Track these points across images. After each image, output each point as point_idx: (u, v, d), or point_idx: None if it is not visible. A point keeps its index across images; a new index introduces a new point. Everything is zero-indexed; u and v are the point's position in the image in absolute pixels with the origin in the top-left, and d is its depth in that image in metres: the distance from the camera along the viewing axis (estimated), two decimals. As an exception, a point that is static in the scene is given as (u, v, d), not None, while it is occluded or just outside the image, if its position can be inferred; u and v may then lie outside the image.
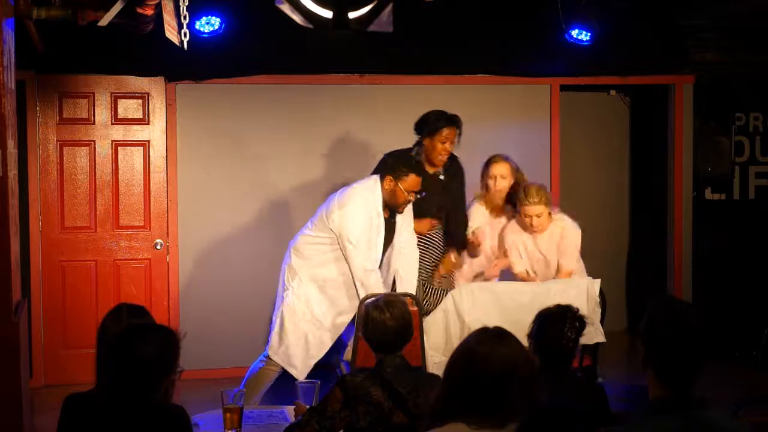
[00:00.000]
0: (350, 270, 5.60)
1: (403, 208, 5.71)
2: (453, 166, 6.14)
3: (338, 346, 5.92)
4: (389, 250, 5.77)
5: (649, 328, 2.71)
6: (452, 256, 6.10)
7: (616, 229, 9.04)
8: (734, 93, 8.27)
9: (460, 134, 6.00)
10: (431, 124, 5.93)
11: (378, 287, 5.53)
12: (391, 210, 5.69)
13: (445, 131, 5.90)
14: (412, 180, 5.60)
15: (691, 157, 8.15)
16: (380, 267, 5.74)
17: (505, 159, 6.16)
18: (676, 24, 7.97)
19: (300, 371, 5.65)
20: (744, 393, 6.25)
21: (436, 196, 6.01)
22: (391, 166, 5.69)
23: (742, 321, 8.09)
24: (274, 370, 5.70)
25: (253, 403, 5.47)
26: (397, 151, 6.00)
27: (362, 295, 5.53)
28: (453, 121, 5.94)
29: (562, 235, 5.96)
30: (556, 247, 5.97)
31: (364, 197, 5.61)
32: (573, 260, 5.99)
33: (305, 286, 5.69)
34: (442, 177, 6.07)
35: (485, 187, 6.15)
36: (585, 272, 6.10)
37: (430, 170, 6.00)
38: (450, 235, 6.10)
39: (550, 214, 5.96)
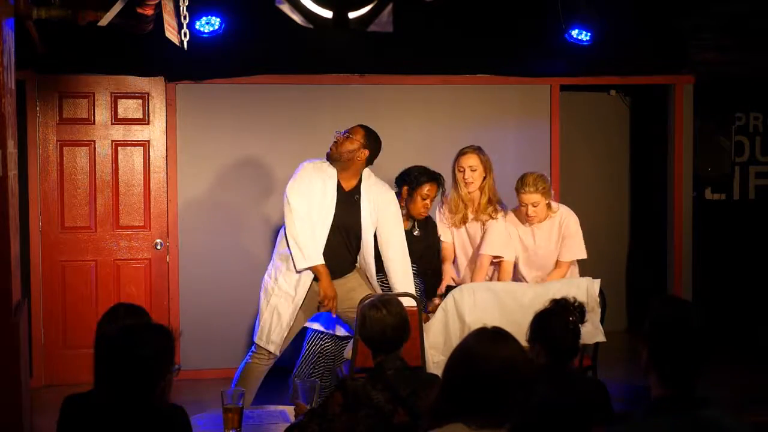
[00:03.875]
0: (285, 231, 5.62)
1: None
2: (428, 224, 6.17)
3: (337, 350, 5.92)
4: (360, 243, 5.76)
5: (652, 327, 2.71)
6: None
7: (616, 229, 9.04)
8: (734, 93, 8.27)
9: (442, 192, 6.09)
10: (414, 178, 5.98)
11: (306, 241, 5.54)
12: (352, 189, 5.70)
13: (427, 187, 5.96)
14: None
15: (691, 157, 8.15)
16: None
17: (476, 150, 6.06)
18: (675, 24, 7.96)
19: (277, 346, 5.62)
20: (744, 393, 6.25)
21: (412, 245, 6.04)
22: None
23: (742, 320, 8.09)
24: (260, 364, 5.68)
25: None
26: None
27: (291, 249, 5.55)
28: (435, 178, 6.00)
29: (566, 227, 5.95)
30: (559, 240, 5.96)
31: (316, 165, 5.70)
32: (579, 252, 6.00)
33: (274, 263, 5.73)
34: (416, 233, 6.08)
35: (454, 180, 6.11)
36: (577, 273, 6.10)
37: (406, 225, 6.02)
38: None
39: (549, 205, 5.94)
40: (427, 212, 6.06)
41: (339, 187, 5.66)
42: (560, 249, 5.99)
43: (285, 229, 5.63)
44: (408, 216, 6.02)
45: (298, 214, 5.57)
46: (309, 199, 5.60)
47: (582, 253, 6.03)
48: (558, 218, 5.98)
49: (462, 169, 6.01)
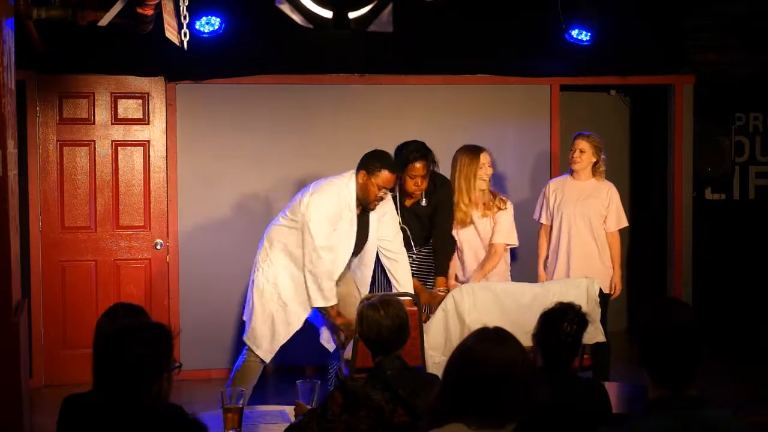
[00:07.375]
0: (303, 255, 5.57)
1: (375, 205, 5.66)
2: (440, 190, 6.08)
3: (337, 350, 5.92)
4: (363, 249, 5.77)
5: (642, 329, 2.72)
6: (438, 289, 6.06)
7: (616, 229, 9.02)
8: (734, 93, 8.26)
9: (431, 166, 5.93)
10: (404, 156, 5.83)
11: (326, 278, 5.52)
12: (363, 207, 5.68)
13: (416, 165, 5.82)
14: (384, 176, 5.54)
15: (691, 157, 8.15)
16: (351, 263, 5.77)
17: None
18: (675, 24, 7.97)
19: (266, 352, 5.66)
20: (744, 393, 6.25)
21: (419, 228, 6.02)
22: (365, 161, 5.64)
23: (742, 320, 8.09)
24: (255, 361, 5.69)
25: None
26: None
27: (309, 284, 5.53)
28: (424, 156, 5.85)
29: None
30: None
31: (337, 189, 5.60)
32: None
33: (274, 267, 5.69)
34: (423, 203, 6.03)
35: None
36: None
37: (408, 203, 6.00)
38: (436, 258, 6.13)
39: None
40: (420, 190, 5.93)
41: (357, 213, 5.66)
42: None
43: (304, 258, 5.55)
44: (404, 194, 5.99)
45: (323, 251, 5.53)
46: (333, 235, 5.56)
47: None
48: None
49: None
